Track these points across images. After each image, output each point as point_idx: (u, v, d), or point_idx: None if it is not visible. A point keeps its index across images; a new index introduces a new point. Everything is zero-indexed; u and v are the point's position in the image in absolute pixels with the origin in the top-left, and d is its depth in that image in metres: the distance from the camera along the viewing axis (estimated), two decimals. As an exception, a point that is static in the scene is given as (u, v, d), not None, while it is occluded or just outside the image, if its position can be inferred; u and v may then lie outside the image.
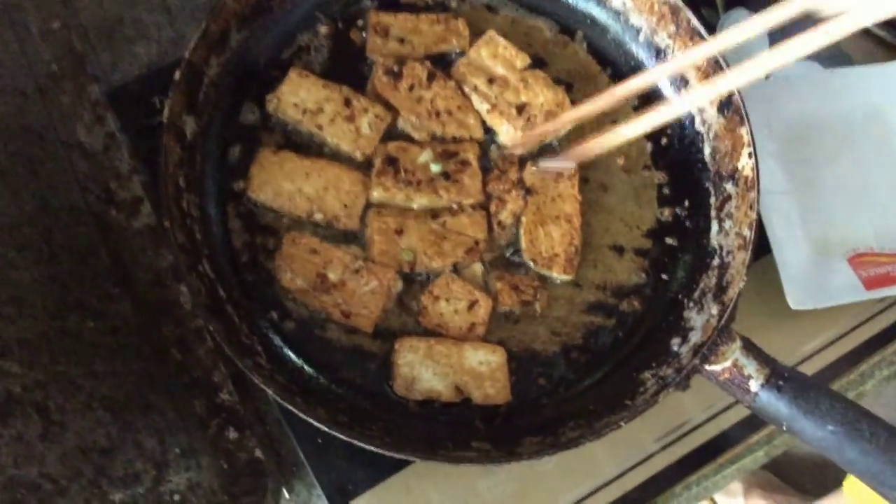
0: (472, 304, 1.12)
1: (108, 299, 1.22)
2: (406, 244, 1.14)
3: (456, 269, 1.13)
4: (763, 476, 2.56)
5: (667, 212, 1.21)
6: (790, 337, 1.27)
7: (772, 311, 1.24)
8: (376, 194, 1.16)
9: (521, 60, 1.25)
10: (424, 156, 1.17)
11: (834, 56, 1.46)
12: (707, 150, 1.24)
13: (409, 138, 1.21)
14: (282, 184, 1.15)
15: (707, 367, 1.05)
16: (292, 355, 1.09)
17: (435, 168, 1.17)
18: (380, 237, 1.15)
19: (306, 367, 1.09)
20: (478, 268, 1.14)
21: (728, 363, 1.03)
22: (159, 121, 1.08)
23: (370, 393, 1.08)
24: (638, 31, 1.29)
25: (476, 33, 1.27)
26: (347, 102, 1.19)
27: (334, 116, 1.15)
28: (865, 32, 1.52)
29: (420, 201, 1.14)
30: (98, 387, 1.15)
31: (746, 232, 1.14)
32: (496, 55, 1.25)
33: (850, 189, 1.35)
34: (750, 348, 1.04)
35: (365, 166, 1.19)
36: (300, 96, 1.18)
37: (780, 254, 1.25)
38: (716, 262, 1.16)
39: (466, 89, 1.23)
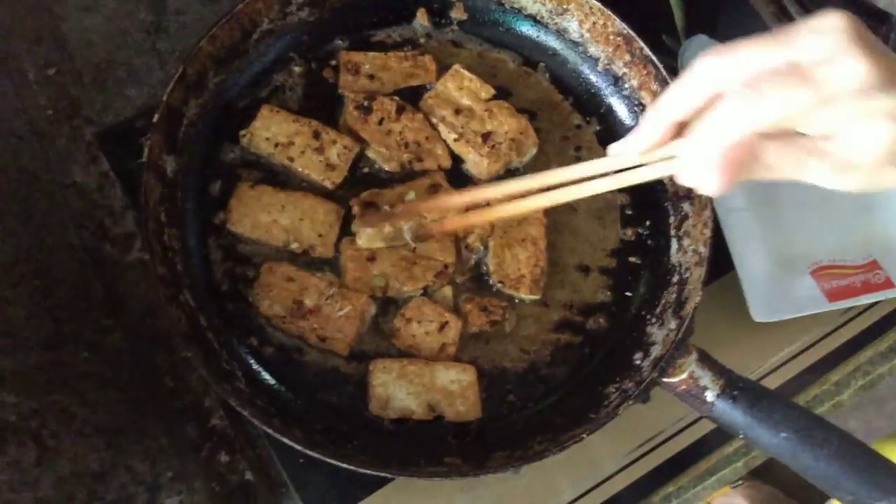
0: (442, 326, 1.14)
1: (101, 331, 1.26)
2: (378, 270, 1.16)
3: (427, 292, 1.15)
4: (768, 492, 2.56)
5: (630, 231, 1.23)
6: (754, 350, 1.30)
7: (736, 325, 1.27)
8: (363, 239, 1.19)
9: (486, 92, 1.30)
10: (409, 195, 1.21)
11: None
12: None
13: (377, 172, 1.26)
14: (259, 216, 1.21)
15: (665, 379, 1.08)
16: (271, 379, 1.11)
17: (411, 197, 1.22)
18: (353, 264, 1.19)
19: (284, 390, 1.11)
20: (448, 290, 1.16)
21: (685, 375, 1.07)
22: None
23: (346, 413, 1.10)
24: (596, 61, 1.34)
25: (443, 67, 1.32)
26: (316, 135, 1.25)
27: (304, 148, 1.18)
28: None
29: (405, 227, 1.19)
30: (92, 414, 1.18)
31: (702, 249, 1.18)
32: (462, 87, 1.30)
33: (810, 204, 1.37)
34: (705, 360, 1.07)
35: (337, 196, 1.24)
36: (272, 130, 1.24)
37: (742, 268, 1.27)
38: (675, 278, 1.18)
39: (434, 120, 1.24)
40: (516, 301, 1.18)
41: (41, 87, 1.38)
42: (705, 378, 1.06)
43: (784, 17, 1.58)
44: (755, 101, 0.68)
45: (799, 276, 1.32)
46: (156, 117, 1.15)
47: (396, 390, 1.10)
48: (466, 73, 1.31)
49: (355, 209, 1.15)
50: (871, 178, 0.72)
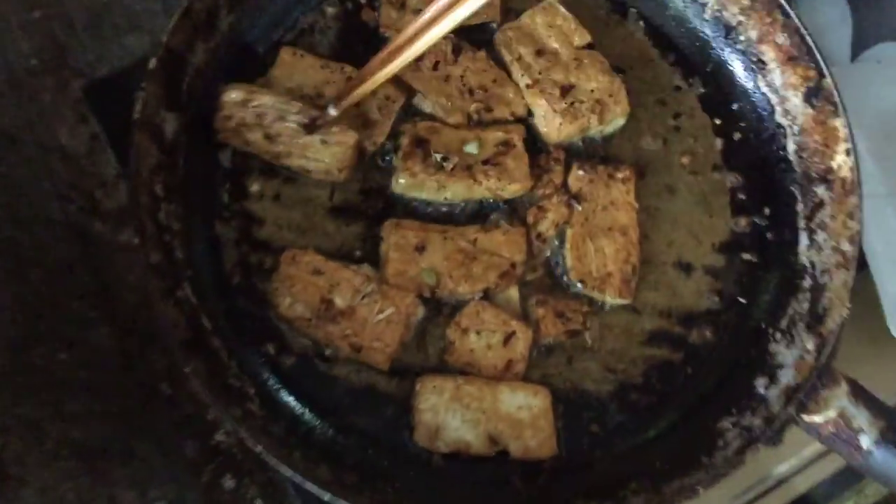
0: (508, 337, 0.96)
1: (84, 325, 1.10)
2: (428, 264, 0.97)
3: (487, 294, 0.98)
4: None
5: (743, 221, 1.06)
6: (893, 370, 1.09)
7: (869, 339, 1.06)
8: (402, 181, 1.00)
9: (580, 37, 1.08)
10: (471, 146, 1.01)
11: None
12: (791, 147, 1.05)
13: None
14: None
15: (805, 417, 0.86)
16: (291, 399, 0.95)
17: (472, 149, 1.01)
18: (397, 254, 0.97)
19: (308, 414, 0.94)
20: (514, 293, 0.99)
21: (832, 413, 0.86)
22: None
23: (385, 444, 0.94)
24: (703, 6, 1.11)
25: (509, 8, 1.11)
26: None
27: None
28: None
29: (454, 189, 1.00)
30: (68, 431, 1.02)
31: (847, 246, 0.94)
32: (552, 25, 1.07)
33: None
34: (859, 394, 0.86)
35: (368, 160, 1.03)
36: (295, 79, 1.02)
37: (878, 269, 1.07)
38: (807, 282, 1.00)
39: (507, 58, 1.07)
40: (601, 306, 1.01)
41: (24, 32, 1.21)
42: (860, 418, 0.84)
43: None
44: None
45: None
46: (152, 63, 0.93)
47: (449, 417, 0.93)
48: (563, 9, 1.09)
49: (404, 143, 1.00)
50: None
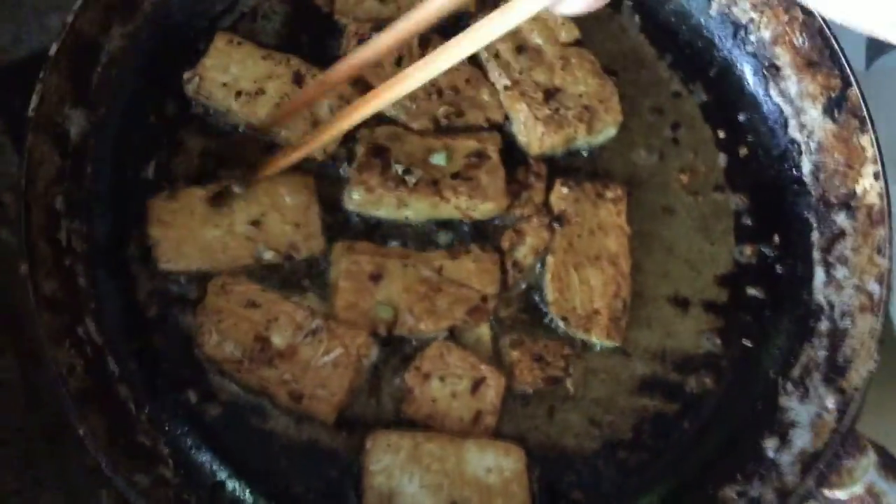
0: (476, 384, 0.84)
1: None
2: (384, 296, 0.85)
3: (453, 333, 0.86)
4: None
5: (748, 250, 0.95)
6: None
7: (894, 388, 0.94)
8: (356, 195, 0.88)
9: (567, 32, 0.97)
10: (438, 157, 0.89)
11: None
12: (807, 167, 0.95)
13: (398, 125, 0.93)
14: (201, 234, 0.84)
15: (826, 492, 0.74)
16: (214, 459, 0.81)
17: (439, 160, 0.89)
18: (348, 283, 0.85)
19: (234, 478, 0.81)
20: (485, 332, 0.87)
21: (858, 488, 0.75)
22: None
23: None
24: (709, 0, 0.98)
25: None
26: (298, 78, 0.90)
27: (281, 99, 0.89)
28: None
29: (417, 207, 0.88)
30: None
31: (874, 287, 0.84)
32: (535, 18, 0.93)
33: None
34: (891, 467, 0.74)
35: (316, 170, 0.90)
36: (231, 72, 0.90)
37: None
38: (824, 326, 0.88)
39: (483, 55, 0.96)
40: (585, 348, 0.89)
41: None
42: (892, 495, 0.71)
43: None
44: None
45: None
46: (53, 49, 0.79)
47: (405, 481, 0.81)
48: None
49: (360, 151, 0.88)
50: None
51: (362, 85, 0.91)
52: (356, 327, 0.83)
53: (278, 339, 0.82)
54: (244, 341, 0.82)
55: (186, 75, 0.88)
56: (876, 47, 1.13)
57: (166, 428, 0.79)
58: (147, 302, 0.83)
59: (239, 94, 0.88)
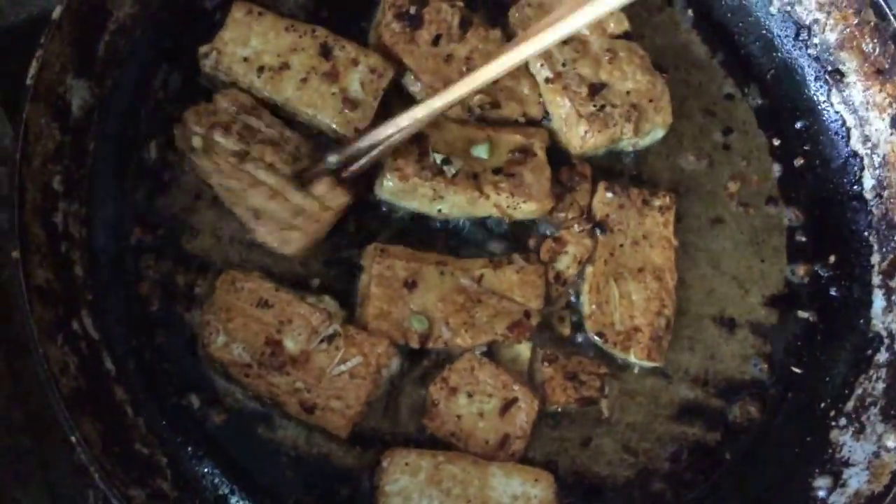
0: (507, 405, 0.78)
1: None
2: (420, 305, 0.78)
3: (491, 349, 0.79)
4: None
5: (801, 270, 0.89)
6: None
7: None
8: (390, 182, 0.81)
9: (617, 23, 0.90)
10: (480, 149, 0.83)
11: None
12: (869, 182, 0.89)
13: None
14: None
15: None
16: (216, 471, 0.75)
17: (481, 153, 0.82)
18: (381, 290, 0.78)
19: (237, 493, 0.75)
20: (524, 350, 0.80)
21: None
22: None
23: None
24: None
25: None
26: (326, 51, 0.83)
27: (307, 73, 0.83)
28: None
29: (454, 201, 0.82)
30: None
31: None
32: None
33: None
34: None
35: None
36: (252, 45, 0.83)
37: None
38: (883, 357, 0.83)
39: None
40: (622, 368, 0.83)
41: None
42: None
43: None
44: None
45: None
46: (57, 11, 0.73)
47: (424, 503, 0.74)
48: None
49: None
50: None
51: (396, 60, 0.85)
52: (378, 336, 0.76)
53: (291, 344, 0.76)
54: (254, 343, 0.76)
55: (203, 49, 0.80)
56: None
57: (165, 435, 0.73)
58: (150, 295, 0.77)
59: (262, 69, 0.81)
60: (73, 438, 0.63)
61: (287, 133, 0.80)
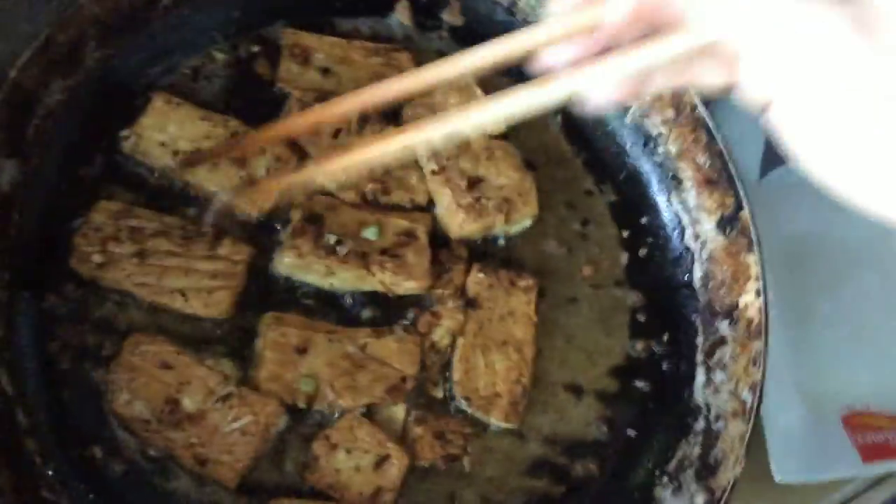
0: (381, 461, 0.85)
1: None
2: (308, 369, 0.86)
3: (369, 409, 0.87)
4: None
5: (640, 345, 0.98)
6: None
7: (749, 479, 0.96)
8: (288, 259, 0.89)
9: (495, 125, 0.99)
10: (370, 231, 0.92)
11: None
12: (697, 273, 0.99)
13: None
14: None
15: None
16: None
17: (370, 235, 0.91)
18: (274, 354, 0.85)
19: None
20: (399, 411, 0.88)
21: None
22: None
23: None
24: (626, 110, 1.04)
25: None
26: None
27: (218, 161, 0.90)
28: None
29: (344, 277, 0.90)
30: None
31: (746, 395, 0.88)
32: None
33: (848, 328, 1.13)
34: None
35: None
36: (169, 131, 0.89)
37: (763, 406, 0.99)
38: (700, 425, 0.93)
39: None
40: (484, 428, 0.91)
41: None
42: None
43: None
44: None
45: (829, 425, 1.06)
46: None
47: None
48: (479, 90, 1.00)
49: (296, 218, 0.90)
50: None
51: (299, 150, 0.93)
52: (269, 397, 0.84)
53: (189, 403, 0.81)
54: (154, 402, 0.80)
55: (124, 133, 0.87)
56: (769, 161, 1.22)
57: (70, 484, 0.78)
58: (60, 354, 0.82)
59: (176, 153, 0.88)
60: (-11, 487, 0.70)
61: (166, 219, 0.87)
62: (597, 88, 0.62)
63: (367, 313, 0.92)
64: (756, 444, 0.92)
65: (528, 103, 0.66)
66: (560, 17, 0.64)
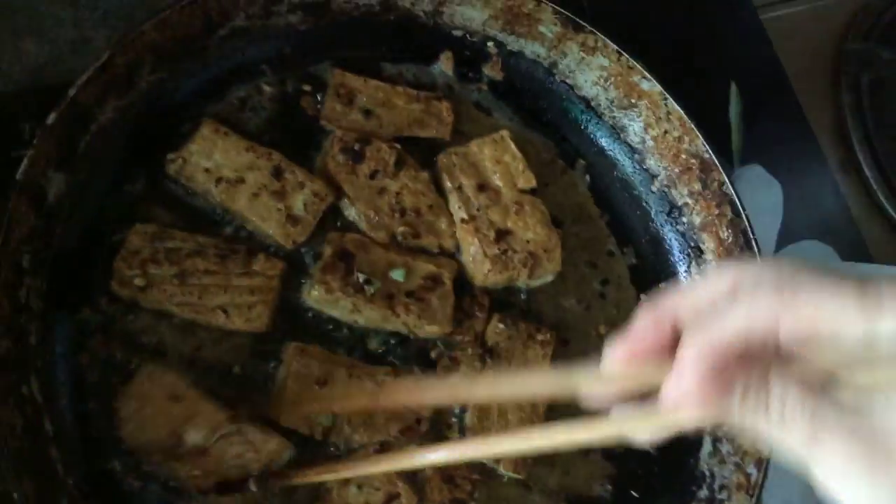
0: (390, 499, 0.86)
1: None
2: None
3: (383, 446, 0.88)
4: None
5: None
6: None
7: None
8: (316, 293, 0.90)
9: (526, 180, 1.02)
10: (397, 272, 0.94)
11: (852, 241, 1.27)
12: None
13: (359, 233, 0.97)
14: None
15: None
16: None
17: (398, 276, 0.93)
18: (296, 384, 0.87)
19: None
20: None
21: None
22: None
23: None
24: (653, 178, 1.07)
25: (459, 130, 1.04)
26: (278, 173, 0.93)
27: (259, 189, 0.92)
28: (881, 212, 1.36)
29: (369, 315, 0.92)
30: None
31: (752, 470, 0.90)
32: (500, 161, 1.01)
33: None
34: None
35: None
36: (214, 159, 0.91)
37: None
38: (703, 493, 0.95)
39: (447, 185, 0.99)
40: (493, 475, 0.92)
41: None
42: None
43: (850, 166, 1.36)
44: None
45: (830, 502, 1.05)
46: (51, 118, 0.80)
47: None
48: (514, 146, 1.02)
49: (328, 254, 0.91)
50: None
51: (336, 187, 0.95)
52: (295, 427, 0.85)
53: (193, 437, 0.81)
54: (160, 432, 0.80)
55: (170, 156, 0.89)
56: (786, 235, 1.26)
57: (90, 495, 0.79)
58: (89, 366, 0.83)
59: (220, 180, 0.90)
60: (15, 495, 0.70)
61: (200, 238, 0.88)
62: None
63: (387, 351, 0.94)
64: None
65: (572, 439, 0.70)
66: (615, 376, 0.66)
